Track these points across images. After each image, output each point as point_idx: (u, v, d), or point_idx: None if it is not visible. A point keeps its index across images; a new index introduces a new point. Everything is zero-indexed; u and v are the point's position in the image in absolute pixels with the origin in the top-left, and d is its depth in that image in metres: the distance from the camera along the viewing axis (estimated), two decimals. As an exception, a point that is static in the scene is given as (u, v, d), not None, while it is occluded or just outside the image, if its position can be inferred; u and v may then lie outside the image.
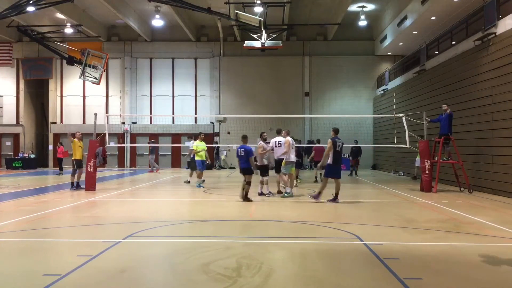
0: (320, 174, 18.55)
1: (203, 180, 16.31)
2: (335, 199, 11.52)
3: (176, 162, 30.05)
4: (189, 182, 17.32)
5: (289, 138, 12.92)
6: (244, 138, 12.28)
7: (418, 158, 18.19)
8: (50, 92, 30.56)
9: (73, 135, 14.95)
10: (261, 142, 13.21)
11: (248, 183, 11.64)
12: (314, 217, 9.42)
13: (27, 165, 28.34)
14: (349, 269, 5.56)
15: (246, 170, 11.71)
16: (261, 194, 12.94)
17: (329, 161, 11.44)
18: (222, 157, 29.49)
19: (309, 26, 29.13)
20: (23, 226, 8.31)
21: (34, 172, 25.75)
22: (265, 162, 13.47)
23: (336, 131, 11.76)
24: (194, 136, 17.59)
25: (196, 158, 16.12)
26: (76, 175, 14.64)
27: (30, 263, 5.78)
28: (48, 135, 30.80)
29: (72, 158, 14.81)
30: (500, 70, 13.22)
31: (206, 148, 16.28)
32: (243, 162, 11.79)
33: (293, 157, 12.82)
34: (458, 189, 14.31)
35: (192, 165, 17.44)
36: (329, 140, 11.45)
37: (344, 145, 11.74)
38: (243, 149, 11.73)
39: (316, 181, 18.13)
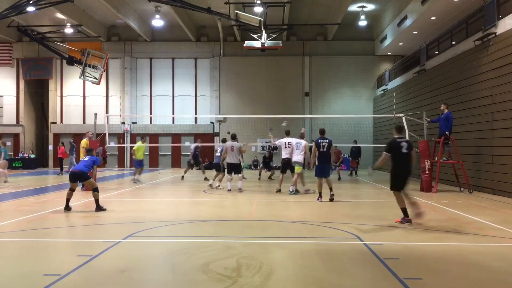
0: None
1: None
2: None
3: (176, 162, 30.02)
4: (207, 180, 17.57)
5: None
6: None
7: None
8: (50, 92, 30.54)
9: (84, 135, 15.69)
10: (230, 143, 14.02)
11: None
12: (314, 217, 9.42)
13: (27, 165, 28.33)
14: (349, 269, 5.56)
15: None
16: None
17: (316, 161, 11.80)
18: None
19: (309, 26, 29.12)
20: (23, 226, 8.31)
21: (34, 172, 25.74)
22: (235, 161, 14.03)
23: (321, 131, 12.08)
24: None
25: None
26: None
27: (30, 263, 5.77)
28: (48, 135, 30.80)
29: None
30: (500, 70, 13.22)
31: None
32: None
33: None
34: (458, 189, 14.31)
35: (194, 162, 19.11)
36: (313, 142, 11.87)
37: (333, 144, 12.00)
38: None
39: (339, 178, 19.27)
